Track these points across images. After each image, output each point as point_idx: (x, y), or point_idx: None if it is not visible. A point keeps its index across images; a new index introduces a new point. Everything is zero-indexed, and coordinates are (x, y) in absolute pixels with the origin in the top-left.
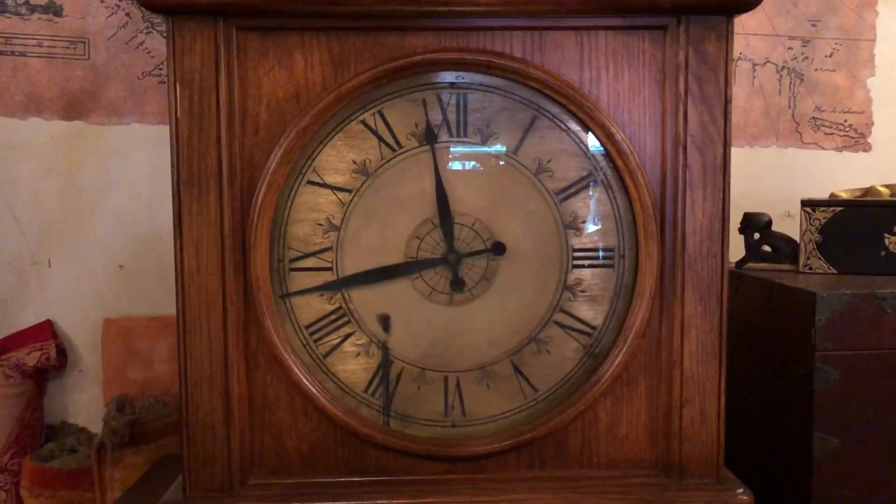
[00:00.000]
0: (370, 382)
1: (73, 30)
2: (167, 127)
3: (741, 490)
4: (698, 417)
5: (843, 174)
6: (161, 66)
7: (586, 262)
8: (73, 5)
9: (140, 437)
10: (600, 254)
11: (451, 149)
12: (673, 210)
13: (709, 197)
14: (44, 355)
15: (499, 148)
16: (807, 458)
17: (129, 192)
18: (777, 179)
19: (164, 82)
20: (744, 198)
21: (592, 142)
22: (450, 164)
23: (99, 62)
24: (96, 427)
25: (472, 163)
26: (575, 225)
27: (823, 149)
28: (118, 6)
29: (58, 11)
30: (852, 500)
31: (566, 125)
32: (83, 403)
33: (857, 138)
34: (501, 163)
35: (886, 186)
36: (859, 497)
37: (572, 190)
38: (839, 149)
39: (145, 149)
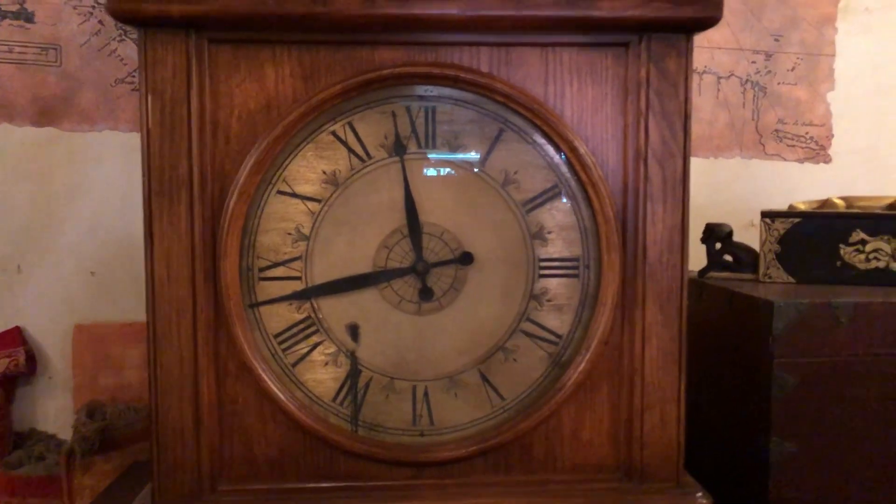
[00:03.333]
0: (339, 391)
1: (44, 36)
2: (140, 134)
3: (700, 494)
4: (659, 423)
5: (804, 185)
6: (134, 74)
7: (552, 272)
8: (45, 12)
9: (110, 443)
10: (566, 264)
11: (420, 160)
12: (634, 221)
13: (669, 209)
14: (13, 362)
15: (467, 159)
16: (764, 461)
17: (101, 199)
18: (741, 190)
19: (137, 90)
20: (708, 207)
21: (557, 154)
22: (419, 174)
23: (71, 69)
24: (66, 434)
25: (441, 174)
26: (541, 235)
27: (786, 160)
28: (91, 13)
29: (29, 18)
30: (808, 503)
31: (532, 138)
32: (53, 410)
33: (817, 150)
34: (469, 174)
35: (842, 199)
36: (814, 499)
37: (538, 201)
38: (801, 160)
39: (118, 156)
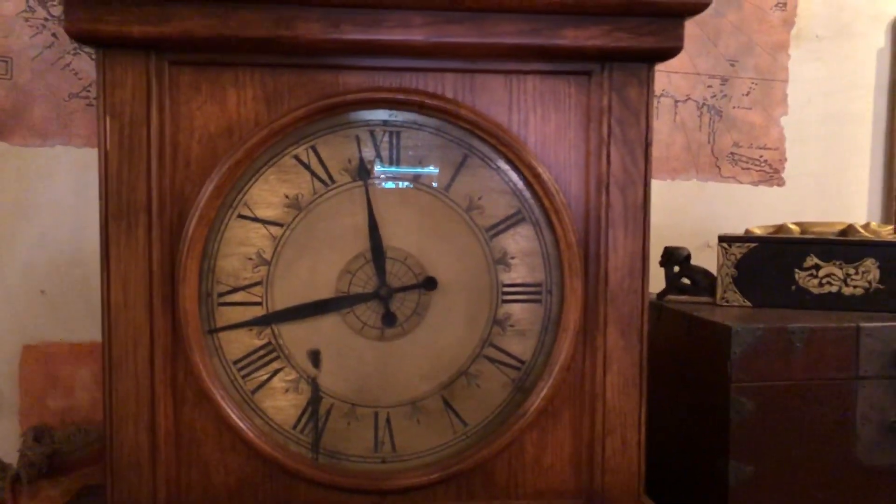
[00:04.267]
0: (299, 419)
1: None
2: (94, 150)
3: None
4: (620, 448)
5: (758, 207)
6: (89, 89)
7: (515, 298)
8: None
9: (59, 467)
10: (529, 289)
11: (384, 185)
12: (596, 247)
13: (630, 235)
14: None
15: (431, 185)
16: (723, 484)
17: (53, 216)
18: (697, 211)
19: (92, 105)
20: (666, 229)
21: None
22: (382, 199)
23: (22, 82)
24: (11, 458)
25: (405, 199)
26: (504, 261)
27: (741, 183)
28: (44, 26)
29: None
30: None
31: (496, 164)
32: None
33: (771, 173)
34: (433, 199)
35: (797, 224)
36: None
37: (502, 227)
38: (755, 183)
39: (70, 172)
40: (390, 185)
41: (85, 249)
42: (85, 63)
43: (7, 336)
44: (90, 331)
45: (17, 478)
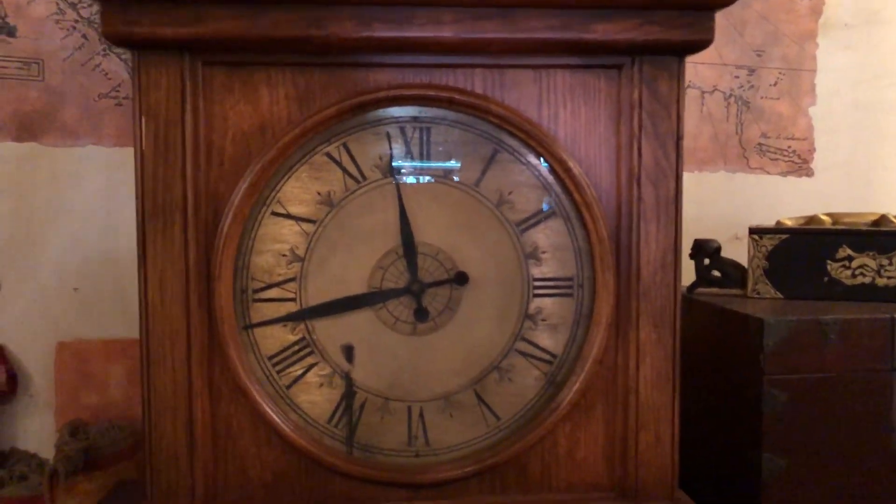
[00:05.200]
0: (333, 413)
1: (26, 50)
2: (124, 149)
3: None
4: (653, 442)
5: (787, 198)
6: (118, 89)
7: (547, 292)
8: (27, 26)
9: (94, 463)
10: (560, 283)
11: (415, 181)
12: (628, 241)
13: (662, 229)
14: None
15: (461, 180)
16: (756, 477)
17: (84, 215)
18: (725, 203)
19: (121, 105)
20: (693, 222)
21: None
22: (413, 195)
23: (54, 83)
24: (48, 453)
25: (436, 194)
26: (535, 255)
27: (769, 174)
28: (74, 28)
29: (11, 32)
30: None
31: (526, 159)
32: (34, 429)
33: (800, 164)
34: (464, 194)
35: (828, 215)
36: None
37: (532, 221)
38: (784, 174)
39: (101, 171)
40: (421, 180)
41: (117, 248)
42: (114, 64)
43: (42, 333)
44: (122, 328)
45: (55, 473)
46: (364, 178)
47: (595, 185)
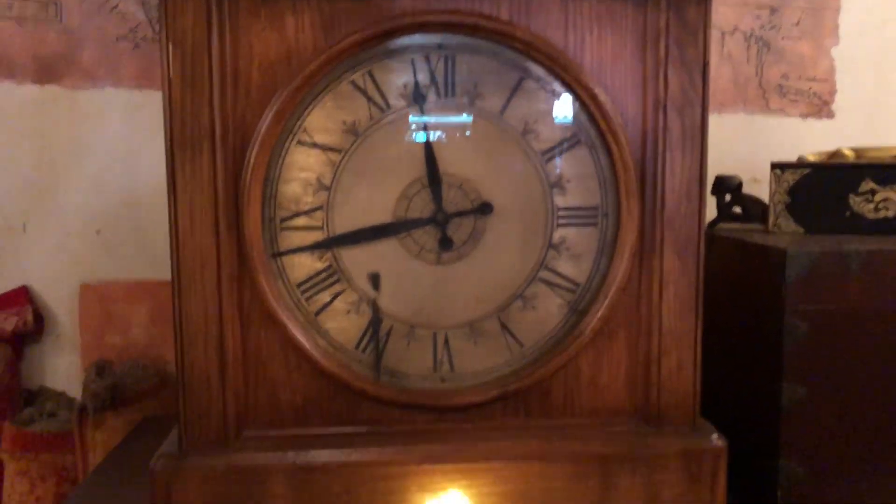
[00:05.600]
0: (361, 339)
1: None
2: (143, 92)
3: (716, 436)
4: (675, 368)
5: (807, 141)
6: (135, 30)
7: (571, 221)
8: None
9: (120, 400)
10: (584, 212)
11: (439, 109)
12: (653, 170)
13: (687, 157)
14: (20, 320)
15: (485, 109)
16: (776, 406)
17: (105, 157)
18: (744, 146)
19: (139, 46)
20: (712, 164)
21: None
22: (438, 124)
23: (72, 25)
24: (75, 392)
25: (460, 123)
26: (560, 184)
27: (789, 116)
28: None
29: None
30: (817, 445)
31: (551, 87)
32: (61, 369)
33: (820, 105)
34: (488, 123)
35: (852, 149)
36: (823, 441)
37: (557, 150)
38: (804, 116)
39: (121, 113)
40: (446, 109)
41: (137, 190)
42: (131, 5)
43: (66, 275)
44: (145, 270)
45: (84, 409)
46: (389, 106)
47: (621, 113)
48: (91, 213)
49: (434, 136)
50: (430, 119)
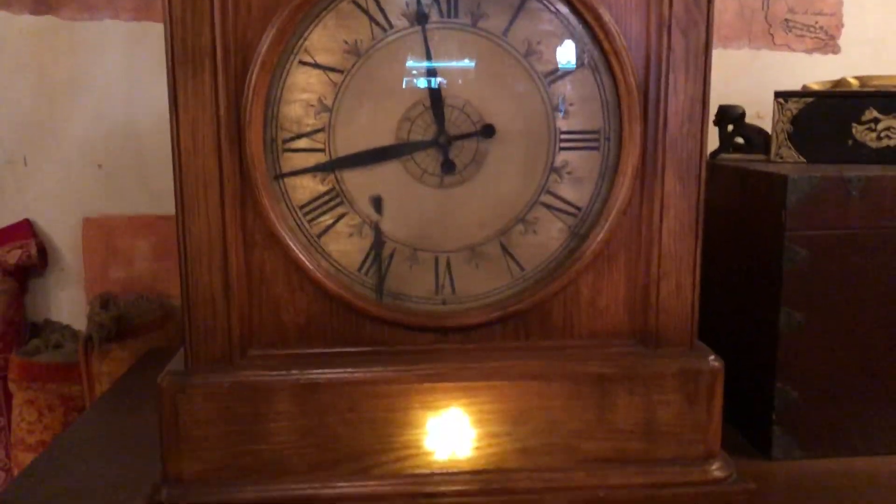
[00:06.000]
0: (363, 262)
1: None
2: (142, 24)
3: (713, 357)
4: (674, 291)
5: (812, 76)
6: None
7: (573, 145)
8: None
9: (125, 332)
10: (587, 136)
11: (442, 29)
12: (656, 92)
13: (690, 79)
14: (24, 253)
15: (489, 29)
16: (774, 331)
17: (105, 90)
18: (748, 81)
19: None
20: (716, 98)
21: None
22: (440, 45)
23: None
24: (80, 325)
25: (463, 44)
26: (563, 107)
27: (794, 51)
28: None
29: None
30: (814, 370)
31: (555, 7)
32: (65, 302)
33: (826, 40)
34: (491, 45)
35: (856, 78)
36: (819, 366)
37: (560, 72)
38: (809, 51)
39: (120, 46)
40: (448, 29)
41: (138, 124)
42: None
43: (68, 209)
44: (147, 205)
45: (89, 339)
46: (391, 26)
47: (624, 33)
48: (92, 147)
49: (436, 56)
50: (433, 39)
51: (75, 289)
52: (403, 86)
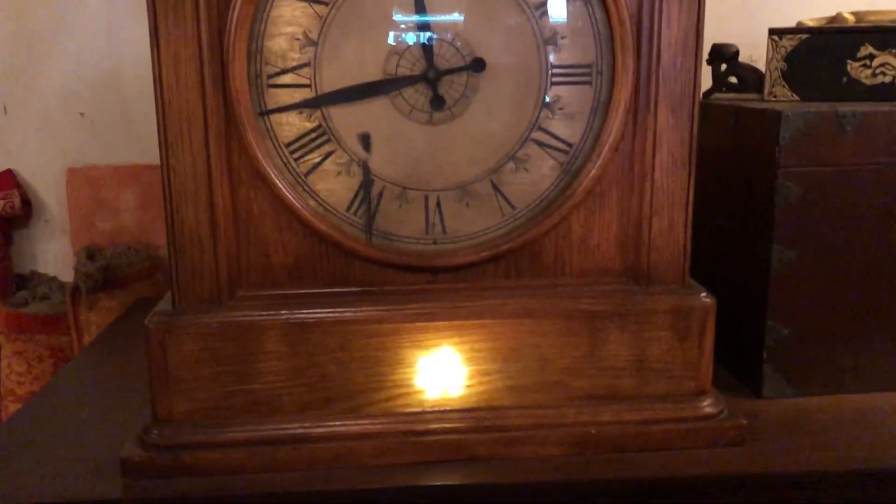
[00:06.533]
0: (352, 201)
1: None
2: None
3: (704, 294)
4: (666, 227)
5: (809, 14)
6: None
7: (565, 80)
8: None
9: (113, 282)
10: (579, 70)
11: None
12: (649, 24)
13: (684, 10)
14: (8, 204)
15: None
16: (765, 268)
17: (86, 36)
18: (742, 21)
19: None
20: (710, 38)
21: None
22: None
23: None
24: (67, 276)
25: None
26: (554, 41)
27: None
28: None
29: None
30: (805, 307)
31: None
32: (52, 253)
33: None
34: None
35: (853, 13)
36: (811, 304)
37: (551, 4)
38: None
39: None
40: None
41: (120, 72)
42: None
43: (51, 159)
44: (131, 154)
45: (77, 289)
46: None
47: None
48: (73, 95)
49: None
50: None
51: (61, 240)
52: (391, 18)
